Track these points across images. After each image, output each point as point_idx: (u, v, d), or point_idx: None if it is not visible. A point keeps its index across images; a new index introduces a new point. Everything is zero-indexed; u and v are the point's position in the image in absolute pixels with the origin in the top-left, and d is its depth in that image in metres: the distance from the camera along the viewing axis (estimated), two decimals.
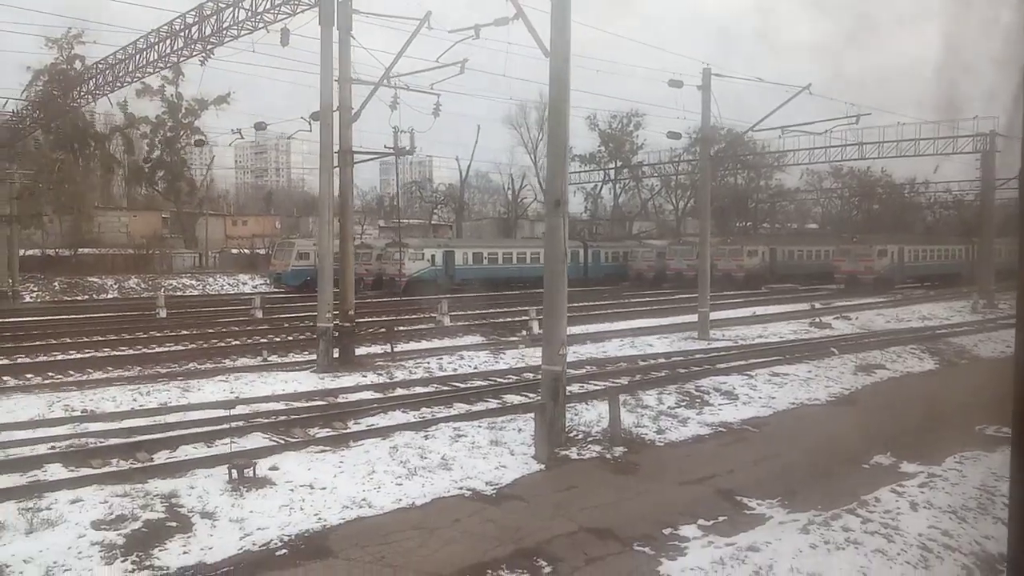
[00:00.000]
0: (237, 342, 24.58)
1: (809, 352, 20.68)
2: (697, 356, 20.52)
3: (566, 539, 8.33)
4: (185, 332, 27.18)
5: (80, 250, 57.74)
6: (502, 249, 54.02)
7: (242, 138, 27.91)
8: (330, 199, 19.05)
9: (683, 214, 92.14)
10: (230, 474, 9.69)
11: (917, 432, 12.97)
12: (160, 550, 7.75)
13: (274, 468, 10.23)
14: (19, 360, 20.89)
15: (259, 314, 33.11)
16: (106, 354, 21.89)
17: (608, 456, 11.35)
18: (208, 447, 11.65)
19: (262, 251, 65.83)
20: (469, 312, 32.84)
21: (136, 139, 71.05)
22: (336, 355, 18.58)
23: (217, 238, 73.94)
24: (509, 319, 31.13)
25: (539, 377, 17.48)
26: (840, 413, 14.66)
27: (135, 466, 10.49)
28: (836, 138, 40.44)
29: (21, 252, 48.80)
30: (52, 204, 52.61)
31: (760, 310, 33.74)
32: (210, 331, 27.76)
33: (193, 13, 23.22)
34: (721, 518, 9.12)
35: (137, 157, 73.43)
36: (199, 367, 20.11)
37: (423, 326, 28.90)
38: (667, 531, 8.65)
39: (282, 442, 11.84)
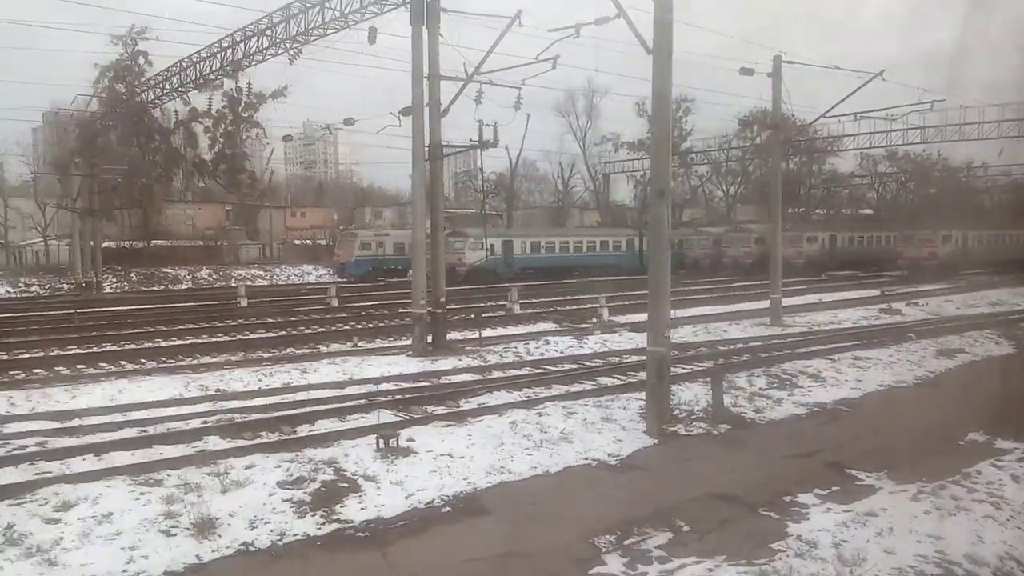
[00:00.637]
0: (322, 329, 25.81)
1: (886, 337, 21.09)
2: (775, 341, 21.06)
3: (695, 504, 9.14)
4: (271, 320, 28.53)
5: (153, 242, 60.10)
6: (559, 238, 54.75)
7: (331, 133, 29.16)
8: (421, 191, 20.00)
9: (733, 200, 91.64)
10: (377, 443, 10.70)
11: (1006, 412, 13.42)
12: (340, 506, 8.76)
13: (411, 440, 11.19)
14: (127, 347, 22.32)
15: (335, 303, 34.35)
16: (207, 340, 23.25)
17: (714, 432, 12.12)
18: (341, 421, 12.70)
19: (323, 242, 67.59)
20: (534, 300, 33.72)
21: (200, 133, 73.20)
22: (429, 340, 19.56)
23: (277, 229, 75.87)
24: (577, 306, 31.85)
25: (626, 361, 18.36)
26: (928, 394, 15.20)
27: (285, 438, 11.57)
28: (898, 122, 40.33)
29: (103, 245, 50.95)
30: (123, 198, 54.53)
31: (824, 296, 33.95)
32: (293, 319, 29.06)
33: (280, 13, 24.30)
34: (834, 488, 9.84)
35: (200, 151, 75.61)
36: (297, 352, 21.35)
37: (493, 314, 29.76)
38: (787, 498, 9.40)
39: (407, 417, 12.84)
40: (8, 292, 44.21)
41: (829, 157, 78.64)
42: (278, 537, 8.00)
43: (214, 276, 54.65)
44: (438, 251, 20.24)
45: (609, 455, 10.84)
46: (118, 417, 12.90)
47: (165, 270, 54.28)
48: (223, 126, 75.39)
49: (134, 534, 7.85)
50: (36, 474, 9.84)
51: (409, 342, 21.84)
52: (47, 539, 7.68)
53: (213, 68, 29.03)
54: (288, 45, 24.39)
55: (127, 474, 9.59)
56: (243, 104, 73.99)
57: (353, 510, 8.71)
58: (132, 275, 51.79)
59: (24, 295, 43.55)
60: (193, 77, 31.60)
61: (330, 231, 73.40)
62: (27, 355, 20.23)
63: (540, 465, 10.32)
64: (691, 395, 14.07)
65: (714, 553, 7.78)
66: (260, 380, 15.69)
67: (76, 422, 12.61)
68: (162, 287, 50.61)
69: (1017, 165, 58.51)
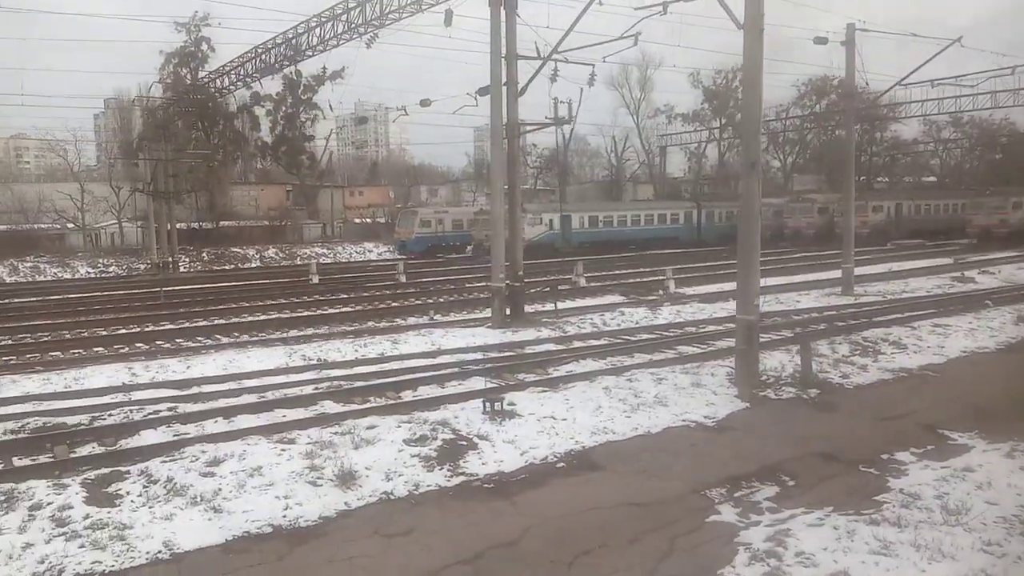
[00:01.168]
0: (396, 304, 26.68)
1: (963, 305, 21.04)
2: (850, 310, 21.18)
3: (797, 461, 9.59)
4: (345, 295, 29.54)
5: (221, 223, 61.95)
6: (617, 212, 54.83)
7: (407, 114, 29.81)
8: (500, 169, 20.53)
9: (791, 170, 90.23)
10: (484, 406, 11.36)
11: None
12: (463, 462, 9.45)
13: (512, 404, 11.82)
14: (216, 322, 23.46)
15: (403, 279, 35.22)
16: (291, 315, 24.26)
17: (804, 396, 12.50)
18: (441, 387, 13.41)
19: (382, 220, 68.81)
20: (598, 273, 34.15)
21: (262, 116, 74.79)
22: (507, 312, 20.19)
23: (336, 208, 77.29)
24: (640, 279, 32.18)
25: (703, 331, 18.74)
26: (1012, 360, 15.29)
27: (394, 402, 12.32)
28: (968, 87, 39.38)
29: (158, 226, 52.69)
30: (192, 181, 56.13)
31: (893, 266, 33.64)
32: (365, 294, 30.02)
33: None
34: (929, 447, 10.18)
35: (261, 134, 77.26)
36: (378, 325, 22.20)
37: (561, 287, 30.21)
38: (884, 456, 9.79)
39: (502, 384, 13.48)
40: (89, 272, 46.24)
41: (892, 124, 76.82)
42: (413, 487, 8.72)
43: (281, 255, 56.17)
44: (515, 227, 20.81)
45: (705, 417, 11.33)
46: (233, 385, 13.83)
47: (234, 250, 55.95)
48: (284, 108, 76.95)
49: (284, 485, 8.64)
50: (175, 435, 10.75)
51: (484, 314, 22.61)
52: (207, 490, 8.51)
53: (288, 55, 29.78)
54: (364, 29, 24.99)
55: (261, 434, 10.42)
56: (302, 87, 75.42)
57: (475, 465, 9.39)
58: (203, 255, 53.52)
59: (104, 275, 45.49)
60: (268, 63, 32.48)
61: (388, 209, 74.50)
62: (124, 331, 21.47)
63: (640, 426, 10.87)
64: (775, 362, 14.41)
65: (822, 504, 8.24)
66: (356, 351, 16.52)
67: (195, 389, 13.56)
68: (232, 266, 52.18)
69: None
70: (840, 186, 74.35)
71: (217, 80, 42.09)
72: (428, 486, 8.78)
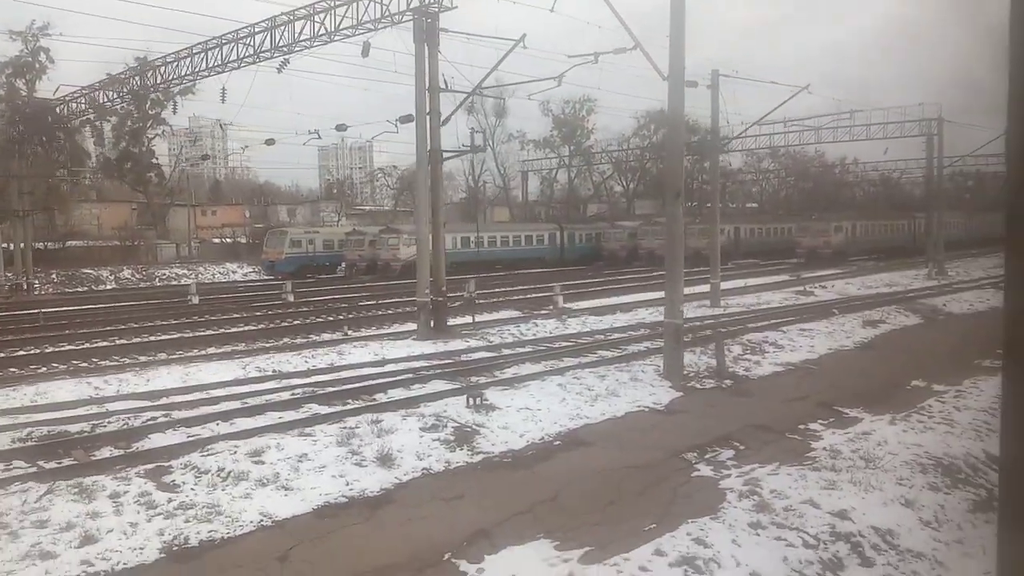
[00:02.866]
0: (304, 321, 27.33)
1: (815, 313, 24.73)
2: (723, 319, 24.30)
3: (739, 432, 11.90)
4: (237, 315, 29.62)
5: (68, 243, 58.54)
6: (487, 233, 57.13)
7: (319, 138, 30.38)
8: (425, 192, 22.08)
9: (632, 195, 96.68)
10: (468, 401, 12.91)
11: (933, 365, 17.02)
12: (475, 444, 11.01)
13: (485, 399, 13.43)
14: (117, 342, 23.16)
15: (291, 298, 35.46)
16: (199, 334, 24.34)
17: (722, 385, 15.00)
18: (407, 389, 14.75)
19: (242, 240, 67.42)
20: (483, 291, 36.08)
21: (108, 131, 71.16)
22: (431, 325, 21.66)
23: (187, 228, 74.79)
24: (526, 295, 34.48)
25: (610, 338, 21.06)
26: (869, 355, 18.67)
27: (376, 402, 13.58)
28: (795, 124, 45.02)
29: (9, 246, 49.44)
30: (34, 199, 52.93)
31: (739, 283, 37.88)
32: (258, 313, 30.22)
33: (264, 23, 25.67)
34: (831, 419, 12.86)
35: (105, 149, 73.47)
36: (294, 340, 22.89)
37: (452, 304, 31.82)
38: (801, 427, 12.33)
39: (463, 384, 15.03)
40: None
41: (721, 155, 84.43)
42: (446, 464, 10.19)
43: (137, 276, 53.99)
44: (438, 246, 22.33)
45: (653, 403, 13.48)
46: (202, 395, 14.46)
47: (85, 270, 53.17)
48: (128, 124, 73.55)
49: (335, 467, 9.85)
50: (189, 436, 11.54)
51: (401, 328, 23.98)
52: (267, 473, 9.57)
53: (182, 73, 29.76)
54: (271, 54, 25.70)
55: (276, 431, 11.44)
56: (149, 101, 72.53)
57: (487, 446, 10.97)
58: (53, 276, 50.55)
59: None
60: (167, 79, 32.10)
61: (247, 229, 73.04)
62: (36, 351, 20.99)
63: (606, 412, 12.85)
64: (688, 360, 16.86)
65: (771, 460, 10.52)
66: (306, 362, 17.45)
67: (165, 400, 14.12)
68: (85, 288, 49.69)
69: (884, 161, 64.71)
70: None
71: (76, 98, 40.54)
72: (458, 463, 10.28)
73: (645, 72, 17.14)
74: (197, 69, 29.13)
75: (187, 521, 8.22)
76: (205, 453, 10.43)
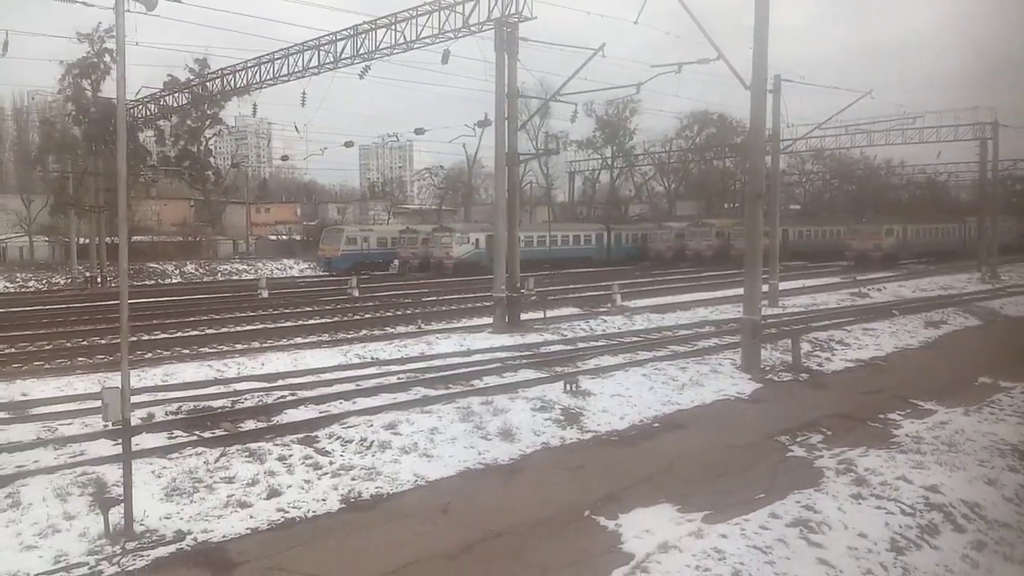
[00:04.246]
0: (369, 316, 28.61)
1: (874, 314, 25.37)
2: (785, 318, 25.06)
3: (824, 419, 12.83)
4: (310, 308, 31.07)
5: (134, 238, 60.81)
6: (537, 233, 58.19)
7: (397, 141, 31.80)
8: (504, 194, 23.22)
9: (675, 196, 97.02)
10: (565, 387, 13.99)
11: (997, 364, 17.69)
12: (581, 423, 12.08)
13: (579, 386, 14.49)
14: (206, 332, 24.69)
15: (356, 293, 36.87)
16: (282, 325, 25.81)
17: (799, 379, 15.89)
18: (500, 377, 15.88)
19: (298, 237, 69.42)
20: (541, 289, 37.12)
21: (168, 130, 73.60)
22: (506, 319, 22.79)
23: (242, 225, 77.00)
24: (581, 294, 35.47)
25: (678, 334, 22.00)
26: (934, 353, 19.41)
27: (479, 387, 14.72)
28: (849, 126, 45.35)
29: (80, 240, 51.61)
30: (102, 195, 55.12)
31: (793, 284, 38.45)
32: (327, 307, 31.64)
33: (349, 30, 27.04)
34: (908, 410, 13.71)
35: (165, 148, 75.95)
36: (372, 332, 24.17)
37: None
38: (881, 416, 13.20)
39: (551, 373, 16.10)
40: (7, 287, 44.90)
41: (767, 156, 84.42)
42: (561, 440, 11.30)
43: (201, 271, 55.99)
44: (515, 245, 23.47)
45: (737, 393, 14.45)
46: (314, 377, 15.74)
47: (151, 265, 55.28)
48: (187, 123, 75.92)
49: (464, 439, 11.01)
50: (321, 412, 12.77)
51: (474, 322, 25.16)
52: (407, 443, 10.76)
53: (268, 76, 31.25)
54: (351, 60, 27.05)
55: (397, 409, 12.62)
56: (207, 102, 74.71)
57: (592, 425, 12.06)
58: None
59: (25, 290, 44.35)
60: (247, 82, 33.66)
61: (302, 226, 75.08)
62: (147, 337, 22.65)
63: (695, 400, 13.85)
64: (763, 355, 17.76)
65: (858, 444, 11.44)
66: (398, 351, 18.68)
67: (282, 381, 15.42)
68: (152, 281, 51.70)
69: (930, 164, 64.24)
70: (716, 211, 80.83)
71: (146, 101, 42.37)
72: (571, 439, 11.39)
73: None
74: (278, 74, 30.58)
75: (353, 479, 9.42)
76: (344, 426, 11.64)
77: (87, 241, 55.74)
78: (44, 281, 47.25)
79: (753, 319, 16.02)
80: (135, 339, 21.95)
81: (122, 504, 7.76)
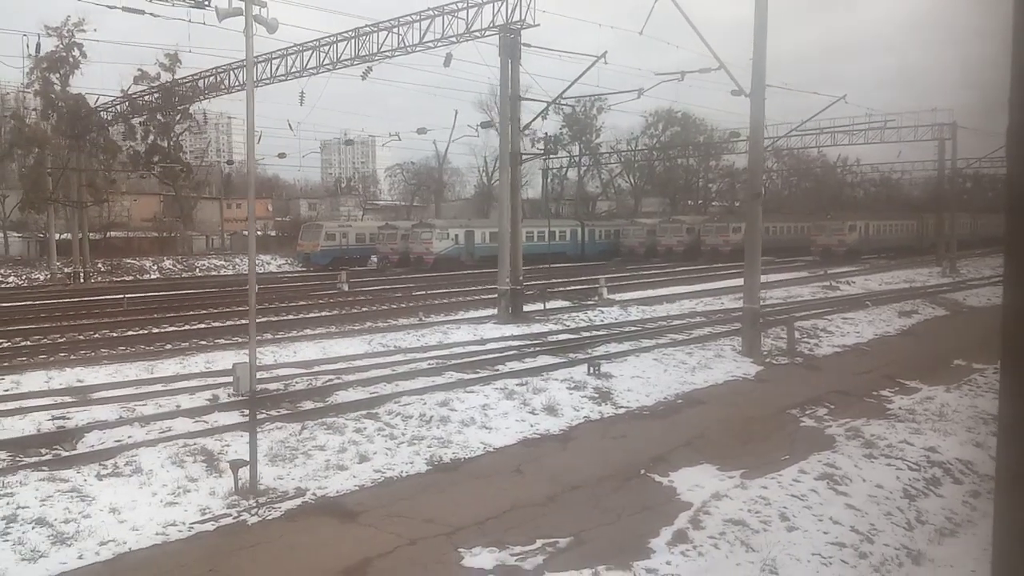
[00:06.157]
0: (365, 309, 29.55)
1: (849, 305, 27.13)
2: (767, 310, 26.59)
3: (825, 396, 14.30)
4: (304, 303, 31.89)
5: (109, 234, 60.66)
6: None
7: (399, 140, 32.73)
8: (508, 191, 24.32)
9: (640, 193, 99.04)
10: (589, 369, 15.26)
11: (968, 348, 19.41)
12: (613, 400, 13.36)
13: (601, 369, 15.77)
14: (212, 325, 25.51)
15: (346, 287, 37.68)
16: (285, 318, 26.67)
17: (794, 362, 17.40)
18: (521, 362, 17.09)
19: (272, 233, 69.72)
20: (538, 283, 38.32)
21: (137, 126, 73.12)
22: (510, 311, 23.99)
23: (213, 221, 76.96)
24: (566, 287, 36.83)
25: (672, 324, 23.41)
26: (911, 339, 21.13)
27: (499, 372, 15.90)
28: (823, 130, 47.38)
29: (59, 236, 51.39)
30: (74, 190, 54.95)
31: (767, 278, 40.21)
32: (321, 301, 32.48)
33: (350, 32, 27.93)
34: (896, 388, 15.26)
35: (136, 143, 75.42)
36: (379, 324, 25.20)
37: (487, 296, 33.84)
38: (874, 393, 14.73)
39: (568, 359, 17.36)
40: None
41: (726, 154, 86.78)
42: (600, 414, 12.57)
43: (179, 266, 56.13)
44: (517, 240, 24.66)
45: (744, 374, 15.88)
46: (347, 364, 16.79)
47: (128, 261, 55.25)
48: (157, 118, 75.42)
49: (515, 414, 12.21)
50: (371, 393, 13.85)
51: (475, 314, 26.29)
52: (465, 418, 11.92)
53: (267, 74, 31.89)
54: (353, 62, 27.94)
55: (441, 390, 13.76)
56: (178, 96, 74.44)
57: (623, 402, 13.35)
58: (99, 265, 52.59)
59: (5, 286, 44.23)
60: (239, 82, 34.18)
61: (272, 223, 75.33)
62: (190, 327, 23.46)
63: (707, 380, 15.24)
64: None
65: (860, 416, 12.91)
66: (417, 340, 19.77)
67: (318, 368, 16.43)
68: (131, 277, 51.75)
69: (886, 163, 66.77)
70: (680, 208, 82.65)
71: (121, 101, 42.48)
72: (608, 413, 12.67)
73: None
74: (275, 74, 31.28)
75: (429, 447, 10.57)
76: (400, 404, 12.75)
77: (64, 237, 55.63)
78: (24, 277, 47.10)
79: (754, 308, 17.50)
80: (158, 330, 22.80)
81: (247, 467, 8.82)
